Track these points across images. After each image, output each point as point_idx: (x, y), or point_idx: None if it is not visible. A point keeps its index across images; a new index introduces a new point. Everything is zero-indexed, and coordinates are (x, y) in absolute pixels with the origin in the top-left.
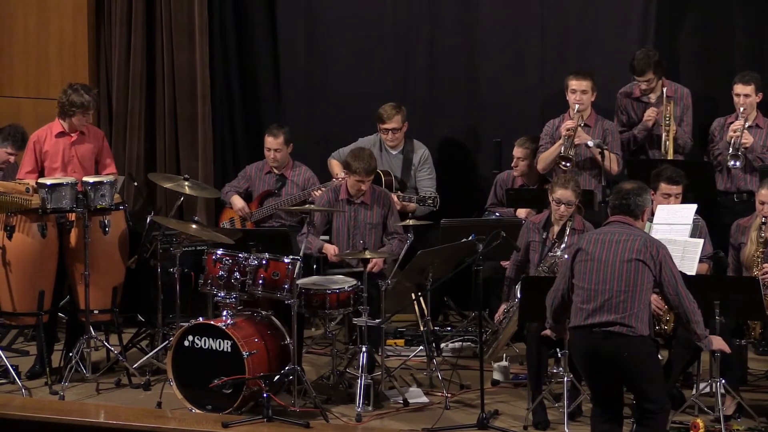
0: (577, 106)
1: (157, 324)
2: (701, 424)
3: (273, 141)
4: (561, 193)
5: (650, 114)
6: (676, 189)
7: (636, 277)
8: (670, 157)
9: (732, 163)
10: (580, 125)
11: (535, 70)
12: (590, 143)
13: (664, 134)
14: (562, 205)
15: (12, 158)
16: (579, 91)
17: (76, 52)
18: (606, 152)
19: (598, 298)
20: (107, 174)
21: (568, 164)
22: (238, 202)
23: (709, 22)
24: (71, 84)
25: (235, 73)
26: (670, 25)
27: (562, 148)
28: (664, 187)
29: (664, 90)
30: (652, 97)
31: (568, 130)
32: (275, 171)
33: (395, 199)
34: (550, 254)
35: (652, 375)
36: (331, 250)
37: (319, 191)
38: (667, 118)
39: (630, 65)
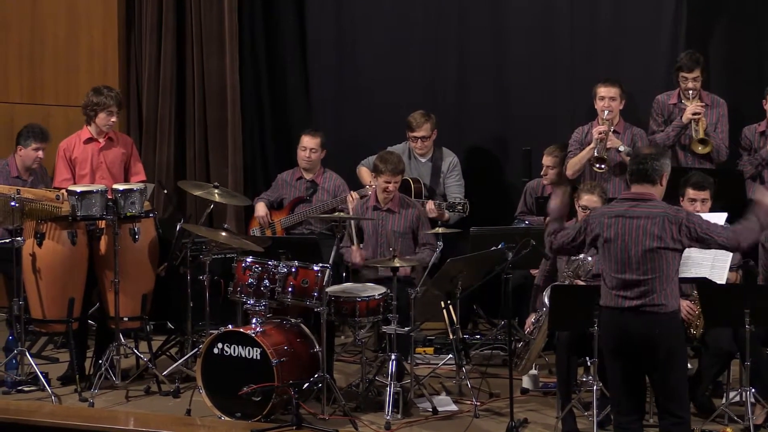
0: (605, 112)
1: (187, 331)
2: None
3: (310, 140)
4: (587, 199)
5: (694, 109)
6: (703, 194)
7: (660, 264)
8: (701, 136)
9: None
10: (610, 130)
11: (564, 78)
12: (621, 148)
13: (693, 124)
14: (589, 212)
15: (41, 152)
16: (608, 97)
17: (106, 60)
18: None
19: (625, 285)
20: (137, 181)
21: (603, 166)
22: (260, 209)
23: (740, 30)
24: (93, 87)
25: (265, 79)
26: (700, 35)
27: (596, 150)
28: (690, 192)
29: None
30: (688, 104)
31: (600, 133)
32: (306, 177)
33: (431, 206)
34: (573, 258)
35: (678, 359)
36: (354, 254)
37: (352, 195)
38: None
39: (677, 67)
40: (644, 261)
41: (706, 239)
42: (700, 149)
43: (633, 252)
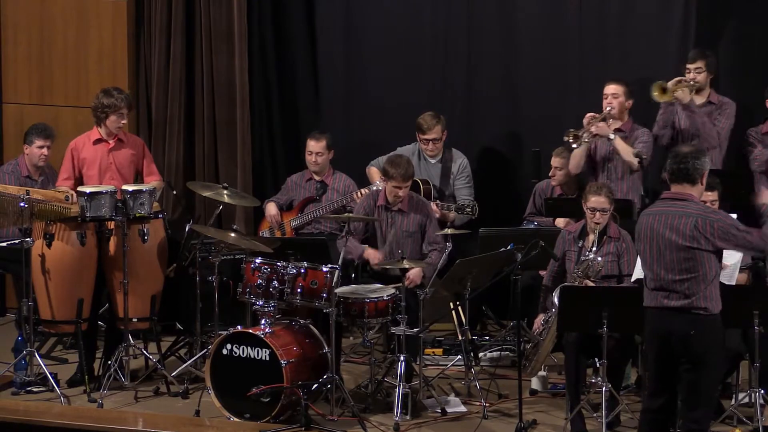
0: (608, 108)
1: (196, 332)
2: None
3: (315, 144)
4: (595, 201)
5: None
6: (711, 195)
7: (695, 264)
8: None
9: None
10: (605, 120)
11: (573, 80)
12: (611, 136)
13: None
14: (597, 213)
15: (45, 150)
16: (610, 94)
17: (116, 60)
18: (643, 161)
19: (664, 287)
20: (152, 181)
21: (573, 144)
22: (271, 209)
23: (749, 31)
24: (102, 89)
25: (274, 78)
26: (709, 36)
27: (573, 129)
28: None
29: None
30: (697, 100)
31: (588, 117)
32: (316, 177)
33: (435, 207)
34: (583, 258)
35: (710, 365)
36: (372, 255)
37: (361, 192)
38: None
39: (685, 61)
40: (679, 261)
41: (735, 240)
42: (655, 94)
43: (668, 251)
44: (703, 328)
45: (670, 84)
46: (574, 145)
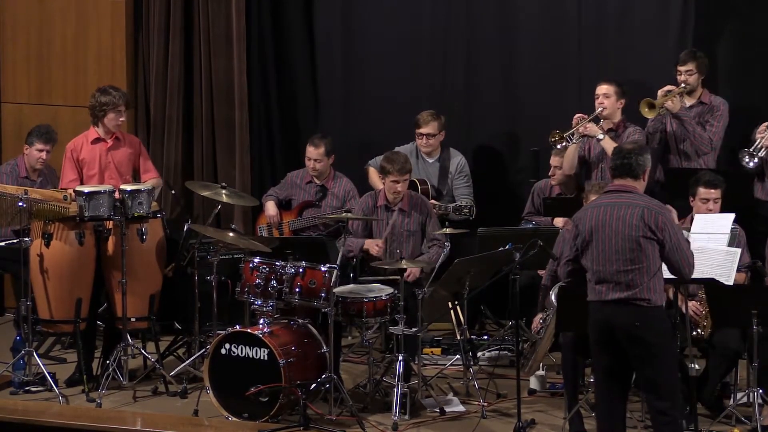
0: (599, 108)
1: (194, 332)
2: None
3: (314, 151)
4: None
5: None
6: (715, 193)
7: (640, 254)
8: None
9: (746, 160)
10: (596, 122)
11: (572, 79)
12: (600, 137)
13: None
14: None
15: (44, 154)
16: (601, 94)
17: (114, 60)
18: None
19: (607, 279)
20: (149, 179)
21: (557, 145)
22: (271, 209)
23: (748, 31)
24: (98, 87)
25: (273, 79)
26: (708, 36)
27: (559, 130)
28: (702, 191)
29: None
30: (688, 102)
31: (577, 118)
32: (316, 181)
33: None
34: None
35: (663, 356)
36: (373, 244)
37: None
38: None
39: (676, 63)
40: (624, 251)
41: (671, 241)
42: (645, 111)
43: (614, 242)
44: (648, 319)
45: (658, 97)
46: (558, 146)
